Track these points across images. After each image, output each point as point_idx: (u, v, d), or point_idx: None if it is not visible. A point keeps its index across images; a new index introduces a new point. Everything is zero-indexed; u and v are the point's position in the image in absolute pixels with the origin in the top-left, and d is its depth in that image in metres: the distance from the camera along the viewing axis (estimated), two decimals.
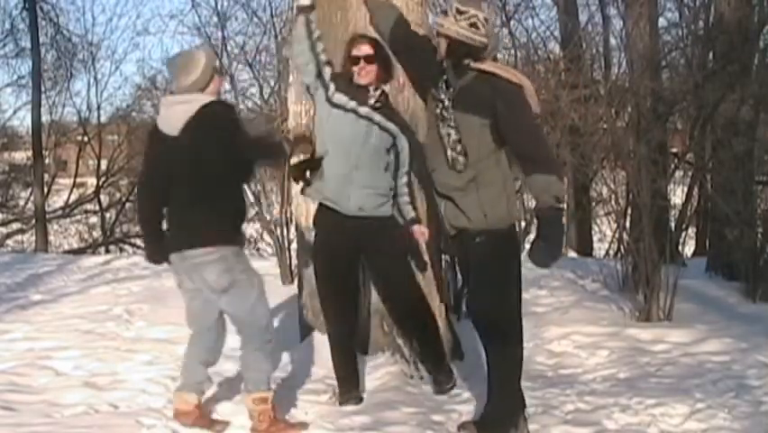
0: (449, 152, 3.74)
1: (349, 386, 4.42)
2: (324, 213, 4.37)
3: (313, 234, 4.52)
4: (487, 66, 3.67)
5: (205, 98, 3.78)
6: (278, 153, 4.19)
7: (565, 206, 3.64)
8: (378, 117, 4.27)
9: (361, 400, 4.39)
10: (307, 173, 4.35)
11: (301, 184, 4.45)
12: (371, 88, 4.30)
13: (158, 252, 3.96)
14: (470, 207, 3.73)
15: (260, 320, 3.89)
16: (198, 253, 3.74)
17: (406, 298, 4.43)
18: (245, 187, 3.85)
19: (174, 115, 3.79)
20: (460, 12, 3.63)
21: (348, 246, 4.32)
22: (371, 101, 4.28)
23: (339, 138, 4.26)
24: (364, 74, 4.27)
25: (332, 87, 4.28)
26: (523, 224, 7.97)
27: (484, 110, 3.62)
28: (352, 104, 4.26)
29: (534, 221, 15.12)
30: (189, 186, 3.76)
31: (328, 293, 4.42)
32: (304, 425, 4.02)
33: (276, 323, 5.81)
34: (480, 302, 3.80)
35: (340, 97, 4.26)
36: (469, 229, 3.76)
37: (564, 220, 3.64)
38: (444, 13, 3.69)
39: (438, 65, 3.85)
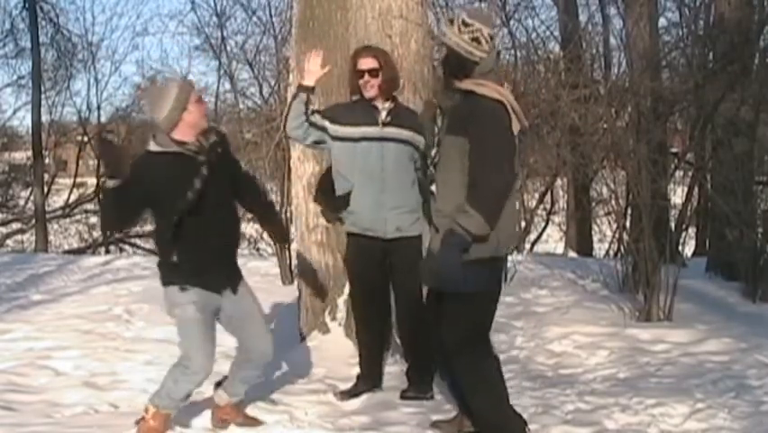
0: (432, 186, 3.73)
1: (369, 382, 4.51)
2: (358, 242, 4.42)
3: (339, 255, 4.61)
4: (467, 84, 3.54)
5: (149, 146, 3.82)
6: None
7: (468, 241, 3.46)
8: (390, 131, 4.30)
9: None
10: (340, 211, 4.46)
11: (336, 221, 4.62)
12: (380, 103, 4.34)
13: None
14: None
15: (182, 352, 3.88)
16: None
17: (420, 307, 4.43)
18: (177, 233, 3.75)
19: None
20: (465, 24, 3.54)
21: (384, 272, 4.41)
22: (382, 116, 4.32)
23: (358, 167, 4.32)
24: (369, 87, 4.32)
25: (329, 127, 4.35)
26: (523, 223, 7.99)
27: (462, 130, 3.51)
28: (361, 130, 4.31)
29: (533, 221, 15.15)
30: None
31: (364, 315, 4.54)
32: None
33: (276, 323, 5.84)
34: (444, 330, 3.68)
35: (344, 130, 4.33)
36: None
37: (458, 252, 3.46)
38: (451, 21, 3.60)
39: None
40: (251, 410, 4.18)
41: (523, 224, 7.98)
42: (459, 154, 3.52)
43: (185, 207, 3.72)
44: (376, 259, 4.39)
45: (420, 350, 4.46)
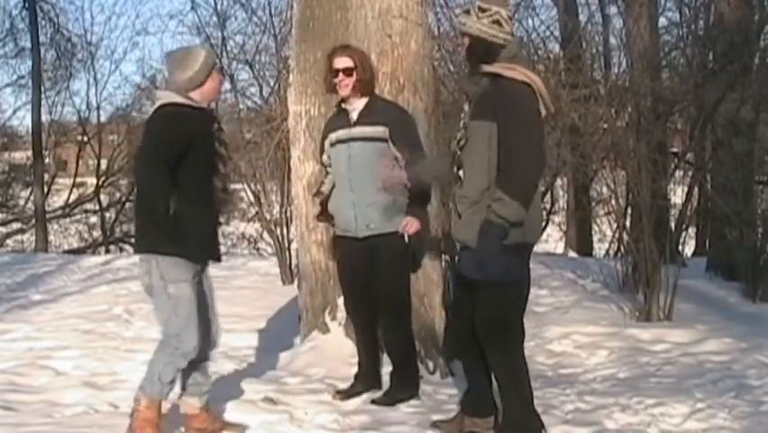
0: (454, 169, 3.69)
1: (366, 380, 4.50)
2: (341, 243, 4.49)
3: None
4: (494, 68, 3.54)
5: (166, 98, 3.74)
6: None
7: (507, 229, 3.47)
8: (357, 130, 4.34)
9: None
10: (329, 215, 4.54)
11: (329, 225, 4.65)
12: (351, 104, 4.37)
13: None
14: (474, 227, 3.57)
15: (171, 331, 3.75)
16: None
17: (400, 306, 4.43)
18: (183, 195, 3.56)
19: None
20: (482, 9, 3.55)
21: (365, 270, 4.40)
22: (353, 117, 4.37)
23: (336, 171, 4.44)
24: (343, 86, 4.35)
25: (327, 143, 4.47)
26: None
27: (490, 114, 3.51)
28: (335, 135, 4.42)
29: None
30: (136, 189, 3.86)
31: (353, 316, 4.58)
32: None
33: (276, 323, 5.84)
34: (485, 307, 3.68)
35: (330, 137, 4.45)
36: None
37: (499, 242, 3.48)
38: (467, 12, 3.62)
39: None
40: (249, 408, 4.17)
41: None
42: (485, 139, 3.52)
43: (216, 174, 3.73)
44: (359, 259, 4.39)
45: (401, 351, 4.45)
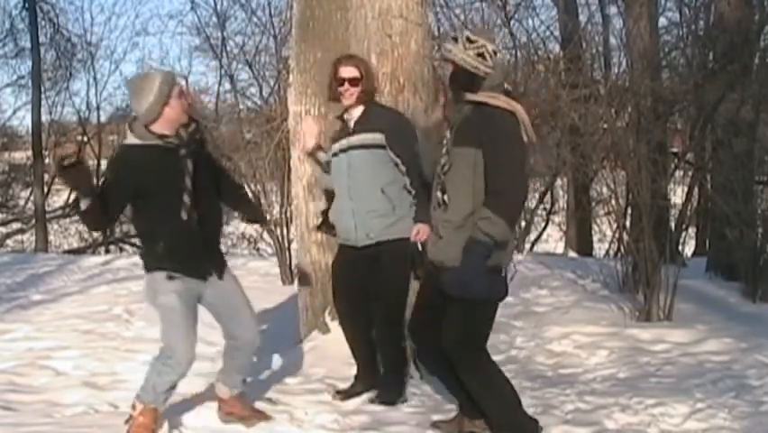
0: (437, 193, 3.74)
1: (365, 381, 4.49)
2: (342, 252, 4.52)
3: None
4: (479, 97, 3.66)
5: (126, 138, 3.81)
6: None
7: (491, 248, 3.52)
8: (355, 139, 4.35)
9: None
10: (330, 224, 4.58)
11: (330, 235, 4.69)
12: (350, 113, 4.39)
13: None
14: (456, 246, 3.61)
15: (163, 342, 3.84)
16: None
17: (394, 314, 4.41)
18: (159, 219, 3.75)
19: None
20: (470, 41, 3.66)
21: (363, 277, 4.40)
22: (351, 126, 4.39)
23: (336, 180, 4.45)
24: (348, 95, 4.37)
25: (329, 154, 4.50)
26: (523, 223, 7.99)
27: (475, 140, 3.60)
28: (336, 146, 4.44)
29: (533, 221, 15.13)
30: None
31: (348, 313, 4.55)
32: None
33: (276, 323, 5.84)
34: (451, 334, 3.70)
35: (333, 147, 4.48)
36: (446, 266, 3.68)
37: (483, 261, 3.51)
38: (455, 39, 3.71)
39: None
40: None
41: (523, 224, 7.96)
42: (469, 165, 3.61)
43: (180, 204, 3.72)
44: (358, 268, 4.40)
45: (391, 358, 4.44)
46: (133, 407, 3.83)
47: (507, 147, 3.56)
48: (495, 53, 3.67)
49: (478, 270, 3.51)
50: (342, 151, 4.40)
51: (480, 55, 3.64)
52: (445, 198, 3.70)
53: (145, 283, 3.89)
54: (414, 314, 4.02)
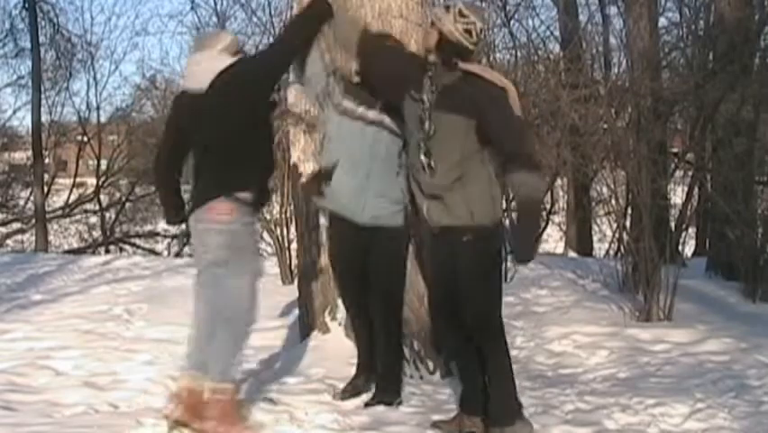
0: (422, 158, 3.74)
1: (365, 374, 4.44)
2: (339, 223, 4.30)
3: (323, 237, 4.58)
4: (474, 68, 3.71)
5: (235, 57, 3.81)
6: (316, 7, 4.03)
7: (542, 201, 3.73)
8: (388, 121, 4.13)
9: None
10: (322, 185, 4.24)
11: (315, 197, 4.41)
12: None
13: (174, 213, 4.11)
14: (457, 204, 3.71)
15: (244, 305, 3.76)
16: (205, 219, 3.69)
17: (392, 303, 4.36)
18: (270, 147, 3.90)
19: (202, 71, 3.74)
20: (462, 14, 3.67)
21: (362, 256, 4.28)
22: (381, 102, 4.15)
23: (348, 148, 4.14)
24: None
25: (338, 93, 4.16)
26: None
27: (469, 110, 3.63)
28: (360, 109, 4.14)
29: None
30: (213, 146, 3.70)
31: (347, 295, 4.52)
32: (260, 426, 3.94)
33: (276, 323, 5.84)
34: (475, 303, 3.76)
35: (347, 104, 4.15)
36: (454, 228, 3.73)
37: (541, 214, 3.72)
38: (447, 8, 3.71)
39: (419, 66, 3.86)
40: (249, 408, 4.16)
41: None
42: (460, 134, 3.67)
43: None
44: (356, 243, 4.24)
45: (388, 353, 4.38)
46: (220, 391, 3.69)
47: (512, 114, 3.68)
48: (481, 32, 3.73)
49: (535, 232, 3.79)
50: (370, 121, 4.12)
51: (467, 31, 3.68)
52: (432, 162, 3.72)
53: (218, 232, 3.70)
54: (434, 291, 4.04)
